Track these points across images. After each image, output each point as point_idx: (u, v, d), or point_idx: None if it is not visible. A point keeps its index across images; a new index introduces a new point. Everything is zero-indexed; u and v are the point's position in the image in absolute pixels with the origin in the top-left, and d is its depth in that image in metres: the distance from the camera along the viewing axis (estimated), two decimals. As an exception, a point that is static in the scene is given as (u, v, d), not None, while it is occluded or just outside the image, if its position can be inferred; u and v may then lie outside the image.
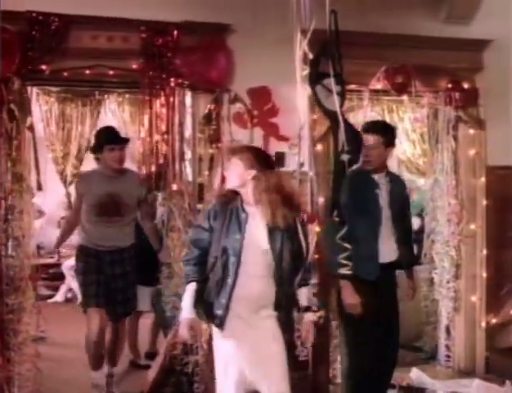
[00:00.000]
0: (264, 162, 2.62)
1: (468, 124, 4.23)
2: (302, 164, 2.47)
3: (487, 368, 4.19)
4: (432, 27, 4.09)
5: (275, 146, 3.87)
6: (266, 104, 3.86)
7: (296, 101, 3.86)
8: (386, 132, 3.30)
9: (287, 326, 2.60)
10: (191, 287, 2.58)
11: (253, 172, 2.55)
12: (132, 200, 3.77)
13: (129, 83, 3.87)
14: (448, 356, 4.34)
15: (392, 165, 4.20)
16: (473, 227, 4.24)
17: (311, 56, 1.84)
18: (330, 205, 2.12)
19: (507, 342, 4.30)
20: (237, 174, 2.59)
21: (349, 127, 1.90)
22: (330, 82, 1.92)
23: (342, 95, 1.90)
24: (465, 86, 4.16)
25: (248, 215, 2.54)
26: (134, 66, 3.58)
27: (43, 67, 3.43)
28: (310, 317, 2.64)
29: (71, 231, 4.05)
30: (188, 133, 3.82)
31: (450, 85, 4.14)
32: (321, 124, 3.91)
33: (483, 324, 4.23)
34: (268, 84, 3.83)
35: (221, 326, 2.51)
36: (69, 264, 6.16)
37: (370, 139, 3.07)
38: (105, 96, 5.94)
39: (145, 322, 4.56)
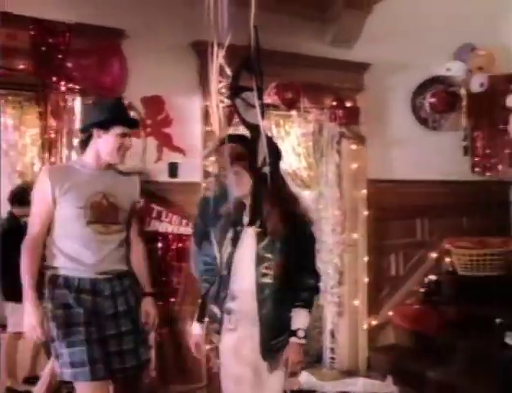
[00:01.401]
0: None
1: (350, 139, 4.52)
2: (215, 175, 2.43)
3: (368, 366, 4.48)
4: (319, 48, 4.35)
5: (168, 157, 3.90)
6: (159, 113, 3.86)
7: (189, 112, 3.99)
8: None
9: (269, 350, 2.31)
10: (200, 303, 2.53)
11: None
12: (127, 204, 2.68)
13: (15, 84, 3.63)
14: (333, 358, 4.57)
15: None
16: (355, 236, 4.52)
17: (227, 69, 1.89)
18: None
19: (386, 341, 4.63)
20: (243, 182, 2.38)
21: (268, 140, 1.97)
22: (249, 96, 1.98)
23: (262, 109, 1.97)
24: (348, 104, 4.46)
25: (243, 228, 2.38)
26: (21, 66, 3.38)
27: None
28: (295, 340, 2.33)
29: (37, 261, 2.54)
30: (77, 140, 3.70)
31: (334, 103, 4.41)
32: (213, 136, 4.03)
33: (365, 326, 4.53)
34: (162, 93, 3.84)
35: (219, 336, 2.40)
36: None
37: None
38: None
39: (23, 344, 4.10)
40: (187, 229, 3.84)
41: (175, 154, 3.91)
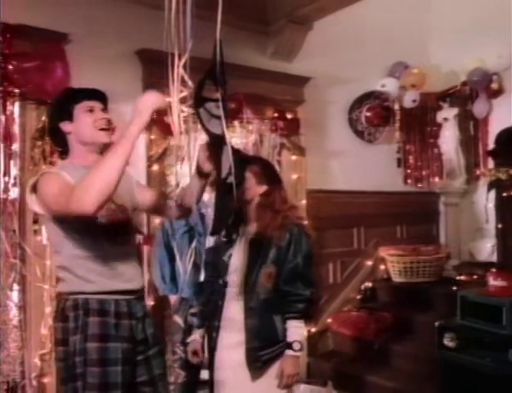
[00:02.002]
0: (273, 176, 2.47)
1: (290, 150, 4.62)
2: (177, 185, 2.38)
3: (309, 373, 4.56)
4: (262, 61, 4.45)
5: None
6: (103, 122, 3.79)
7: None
8: None
9: (255, 361, 2.25)
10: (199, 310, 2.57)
11: (263, 187, 2.38)
12: (131, 206, 2.23)
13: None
14: (274, 366, 4.62)
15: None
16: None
17: (186, 78, 1.90)
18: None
19: (324, 347, 4.73)
20: (247, 188, 2.34)
21: (232, 150, 1.99)
22: (211, 106, 2.00)
23: (226, 119, 1.99)
24: (289, 116, 4.56)
25: (238, 236, 2.37)
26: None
27: None
28: (291, 353, 2.28)
29: None
30: (16, 147, 3.57)
31: (275, 114, 4.50)
32: (157, 144, 4.02)
33: (305, 333, 4.60)
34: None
35: (215, 350, 2.33)
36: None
37: None
38: None
39: None
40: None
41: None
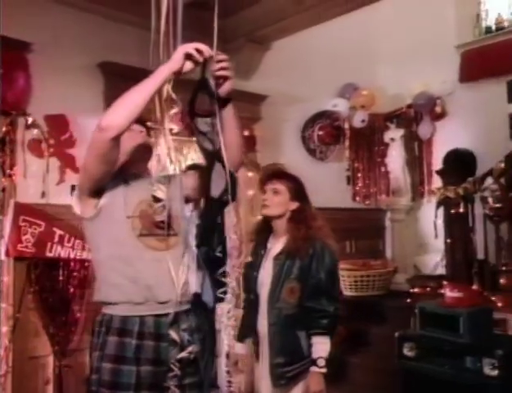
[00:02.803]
0: (305, 194, 2.51)
1: (247, 167, 4.70)
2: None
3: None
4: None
5: (71, 179, 3.75)
6: (63, 133, 3.73)
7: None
8: None
9: (280, 377, 2.28)
10: (240, 322, 2.62)
11: (296, 204, 2.42)
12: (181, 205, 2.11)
13: None
14: (229, 381, 4.62)
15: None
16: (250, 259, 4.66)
17: (174, 96, 1.91)
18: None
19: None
20: (281, 203, 2.41)
21: (223, 166, 2.00)
22: (201, 122, 2.01)
23: (212, 135, 2.00)
24: (246, 133, 4.64)
25: (266, 251, 2.43)
26: None
27: None
28: (316, 369, 2.29)
29: None
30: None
31: (233, 131, 4.57)
32: (119, 158, 3.97)
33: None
34: (66, 113, 3.71)
35: (257, 359, 2.45)
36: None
37: None
38: None
39: None
40: (90, 255, 3.70)
41: (78, 176, 3.76)
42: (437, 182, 4.92)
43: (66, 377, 3.61)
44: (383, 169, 5.41)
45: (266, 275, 2.37)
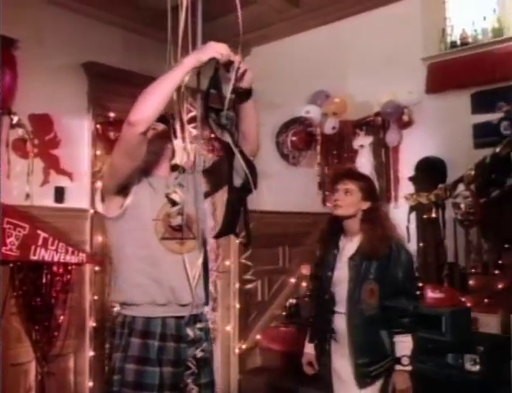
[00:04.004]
0: (376, 194, 2.54)
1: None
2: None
3: (240, 389, 4.64)
4: (201, 81, 4.50)
5: (55, 180, 3.67)
6: (47, 133, 3.64)
7: (77, 134, 3.82)
8: None
9: (364, 376, 2.33)
10: (310, 323, 2.62)
11: (367, 204, 2.40)
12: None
13: None
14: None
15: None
16: (228, 263, 4.71)
17: (191, 100, 1.95)
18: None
19: (254, 363, 4.84)
20: (353, 203, 2.38)
21: (243, 157, 2.04)
22: (222, 115, 2.04)
23: (232, 128, 2.04)
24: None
25: (339, 251, 2.42)
26: None
27: None
28: (401, 368, 2.32)
29: None
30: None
31: (212, 135, 4.57)
32: (102, 161, 3.92)
33: (237, 350, 4.70)
34: (50, 112, 3.63)
35: (329, 361, 2.46)
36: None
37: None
38: None
39: None
40: (73, 258, 3.64)
41: (62, 177, 3.70)
42: (404, 188, 5.15)
43: (49, 383, 3.52)
44: (351, 175, 5.57)
45: (341, 276, 2.38)
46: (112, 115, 3.91)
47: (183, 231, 2.02)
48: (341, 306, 2.38)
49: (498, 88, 4.79)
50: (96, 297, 3.77)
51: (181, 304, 1.99)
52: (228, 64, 2.00)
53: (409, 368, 2.32)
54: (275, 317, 5.09)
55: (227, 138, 2.04)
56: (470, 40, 5.05)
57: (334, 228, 2.48)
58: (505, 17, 4.89)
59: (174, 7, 4.29)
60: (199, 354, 2.01)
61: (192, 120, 2.25)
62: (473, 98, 4.97)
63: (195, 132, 2.27)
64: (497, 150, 4.06)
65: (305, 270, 5.25)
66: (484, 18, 4.98)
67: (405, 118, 5.24)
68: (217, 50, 1.90)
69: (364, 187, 2.43)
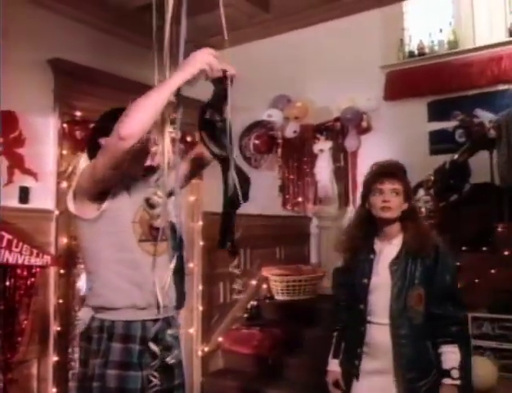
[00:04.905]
0: (412, 195, 2.34)
1: (189, 172, 4.70)
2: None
3: (202, 391, 4.63)
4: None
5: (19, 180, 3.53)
6: (12, 131, 3.49)
7: (43, 132, 3.69)
8: None
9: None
10: (334, 336, 2.36)
11: (406, 204, 2.21)
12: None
13: None
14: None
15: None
16: (191, 265, 4.68)
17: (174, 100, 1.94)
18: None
19: (216, 366, 4.84)
20: (400, 204, 2.17)
21: (237, 169, 2.06)
22: (215, 128, 2.05)
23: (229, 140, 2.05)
24: (188, 139, 4.65)
25: (376, 255, 2.20)
26: None
27: None
28: (450, 382, 2.08)
29: None
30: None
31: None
32: (67, 161, 3.81)
33: (200, 353, 4.68)
34: (15, 109, 3.48)
35: (357, 378, 2.19)
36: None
37: None
38: None
39: None
40: (38, 260, 3.52)
41: (26, 177, 3.57)
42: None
43: (11, 391, 3.39)
44: (311, 179, 5.69)
45: (380, 282, 2.15)
46: (79, 114, 3.81)
47: (160, 232, 1.99)
48: (379, 316, 2.15)
49: (453, 98, 5.03)
50: (60, 300, 3.65)
51: (159, 306, 1.97)
52: (218, 77, 1.95)
53: (459, 381, 2.09)
54: (236, 319, 5.11)
55: (221, 151, 2.05)
56: (427, 51, 5.27)
57: (367, 230, 2.25)
58: (460, 31, 5.13)
59: (146, 6, 4.23)
60: (170, 360, 2.00)
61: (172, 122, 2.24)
62: (429, 106, 5.19)
63: (173, 134, 2.26)
64: (455, 157, 4.24)
65: (266, 272, 5.31)
66: (441, 30, 5.21)
67: (364, 124, 5.41)
68: (207, 61, 1.87)
69: (407, 187, 2.24)
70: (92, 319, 1.95)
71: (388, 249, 2.21)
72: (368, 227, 2.25)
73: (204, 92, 2.05)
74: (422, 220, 2.26)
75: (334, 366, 2.34)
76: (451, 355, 2.10)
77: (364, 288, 2.18)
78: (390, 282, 2.13)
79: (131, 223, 1.98)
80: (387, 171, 2.22)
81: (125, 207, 1.99)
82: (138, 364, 1.91)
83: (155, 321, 1.97)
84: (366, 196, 2.27)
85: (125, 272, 1.95)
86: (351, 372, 2.23)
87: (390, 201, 2.16)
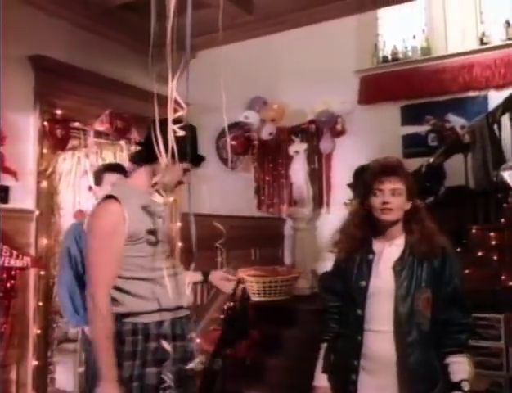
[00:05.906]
0: (416, 193, 2.06)
1: (166, 172, 4.66)
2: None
3: None
4: (147, 82, 4.43)
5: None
6: (-8, 130, 3.39)
7: (23, 131, 3.59)
8: None
9: None
10: (323, 348, 2.09)
11: (409, 203, 1.99)
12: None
13: None
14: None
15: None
16: (169, 266, 4.64)
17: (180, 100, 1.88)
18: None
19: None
20: (402, 205, 1.97)
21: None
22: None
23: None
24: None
25: (375, 256, 2.00)
26: None
27: None
28: None
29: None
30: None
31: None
32: (47, 160, 3.72)
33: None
34: (-3, 108, 3.39)
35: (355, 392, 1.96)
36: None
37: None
38: None
39: None
40: (17, 262, 3.43)
41: (6, 176, 3.47)
42: (338, 195, 5.37)
43: (-10, 396, 3.29)
44: (286, 181, 5.73)
45: (381, 285, 1.96)
46: (59, 112, 3.73)
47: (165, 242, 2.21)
48: (379, 323, 1.94)
49: (426, 103, 5.17)
50: (40, 303, 3.56)
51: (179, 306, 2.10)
52: None
53: None
54: (213, 320, 5.09)
55: None
56: (401, 56, 5.40)
57: (365, 230, 2.06)
58: (433, 38, 5.28)
59: (127, 5, 4.17)
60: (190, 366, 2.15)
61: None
62: (402, 111, 5.32)
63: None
64: (431, 160, 4.36)
65: (243, 273, 5.30)
66: (414, 37, 5.35)
67: (338, 127, 5.49)
68: None
69: (410, 186, 2.00)
70: (122, 323, 1.97)
71: (388, 249, 2.02)
72: (368, 227, 2.06)
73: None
74: (427, 220, 2.03)
75: (322, 381, 2.07)
76: (461, 366, 1.91)
77: (362, 292, 1.97)
78: (394, 285, 1.94)
79: (149, 246, 2.08)
80: (387, 170, 2.01)
81: (141, 227, 2.06)
82: (172, 360, 2.00)
83: (180, 319, 2.10)
84: (364, 196, 2.06)
85: (151, 287, 2.03)
86: (346, 388, 1.98)
87: (390, 203, 1.96)
